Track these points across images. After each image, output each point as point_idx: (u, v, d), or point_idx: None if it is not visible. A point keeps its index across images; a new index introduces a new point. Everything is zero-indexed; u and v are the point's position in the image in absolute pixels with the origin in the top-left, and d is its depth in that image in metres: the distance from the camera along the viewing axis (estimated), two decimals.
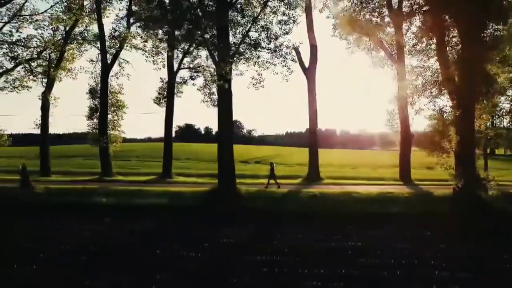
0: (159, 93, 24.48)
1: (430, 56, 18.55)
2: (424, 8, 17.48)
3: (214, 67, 17.00)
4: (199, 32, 15.84)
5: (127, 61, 24.80)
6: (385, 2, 21.95)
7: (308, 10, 22.70)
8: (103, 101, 24.06)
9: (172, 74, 23.98)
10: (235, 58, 16.18)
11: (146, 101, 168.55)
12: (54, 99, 25.75)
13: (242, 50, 16.45)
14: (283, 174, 26.04)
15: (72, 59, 26.55)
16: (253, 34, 17.18)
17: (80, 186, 18.97)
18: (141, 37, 21.90)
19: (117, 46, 24.33)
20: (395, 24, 21.82)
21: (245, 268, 8.86)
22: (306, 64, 23.14)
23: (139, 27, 21.24)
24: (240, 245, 10.95)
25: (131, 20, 24.15)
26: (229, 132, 17.13)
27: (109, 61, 24.33)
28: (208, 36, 16.31)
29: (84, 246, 10.35)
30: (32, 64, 26.07)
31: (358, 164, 37.52)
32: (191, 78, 18.27)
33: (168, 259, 9.43)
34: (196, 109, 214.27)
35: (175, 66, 23.96)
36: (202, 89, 17.21)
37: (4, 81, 25.90)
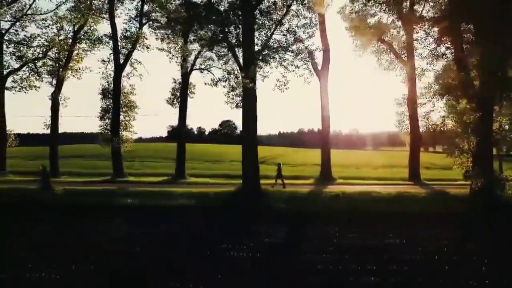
0: (172, 94, 24.49)
1: (444, 59, 19.21)
2: (439, 14, 18.03)
3: (238, 69, 17.21)
4: (223, 34, 16.03)
5: (139, 62, 24.64)
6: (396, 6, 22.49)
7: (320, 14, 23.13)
8: (115, 101, 23.90)
9: (185, 74, 24.04)
10: (260, 61, 16.41)
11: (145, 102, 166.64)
12: (64, 100, 25.47)
13: (267, 53, 16.70)
14: (292, 175, 26.48)
15: (80, 59, 26.35)
16: (276, 37, 17.46)
17: (100, 188, 18.85)
18: (157, 37, 22.00)
19: (129, 46, 24.20)
20: (406, 27, 22.46)
21: (316, 268, 8.93)
22: (319, 67, 23.56)
23: (157, 27, 21.23)
24: (286, 244, 11.21)
25: (144, 20, 24.09)
26: (253, 133, 17.33)
27: (121, 62, 24.19)
28: (233, 38, 16.51)
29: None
30: (37, 63, 25.78)
31: (360, 164, 38.27)
32: (219, 80, 18.14)
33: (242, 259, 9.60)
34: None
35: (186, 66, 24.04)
36: (228, 92, 17.28)
37: (12, 81, 25.59)
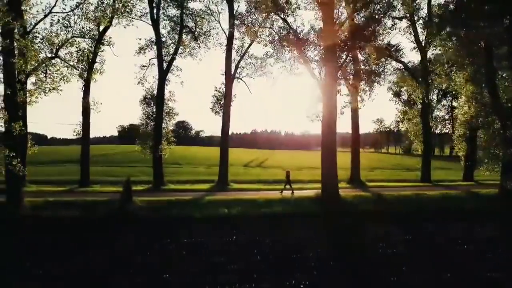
0: (217, 98, 24.76)
1: None
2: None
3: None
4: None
5: (180, 69, 24.43)
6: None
7: None
8: (159, 108, 23.41)
9: (229, 81, 24.50)
10: None
11: None
12: (95, 104, 24.03)
13: None
14: (310, 179, 28.34)
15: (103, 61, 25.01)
16: None
17: (172, 198, 18.65)
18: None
19: (171, 53, 23.90)
20: None
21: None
22: None
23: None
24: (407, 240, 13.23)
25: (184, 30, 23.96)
26: (332, 139, 18.69)
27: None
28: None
29: None
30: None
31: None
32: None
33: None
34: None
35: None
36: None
37: (32, 82, 23.31)
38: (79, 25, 23.10)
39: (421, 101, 27.61)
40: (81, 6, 22.77)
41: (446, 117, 67.92)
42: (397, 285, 9.05)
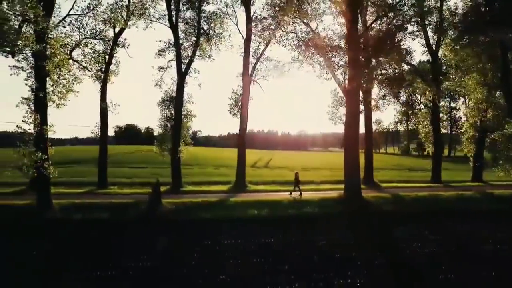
0: (234, 101, 25.04)
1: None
2: None
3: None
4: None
5: (198, 71, 24.64)
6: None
7: None
8: (177, 111, 23.60)
9: (247, 83, 24.79)
10: None
11: None
12: (112, 105, 24.09)
13: None
14: (322, 180, 28.82)
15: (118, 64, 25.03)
16: None
17: (198, 200, 18.90)
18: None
19: (187, 55, 24.09)
20: None
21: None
22: None
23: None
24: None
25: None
26: (355, 142, 19.15)
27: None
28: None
29: None
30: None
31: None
32: None
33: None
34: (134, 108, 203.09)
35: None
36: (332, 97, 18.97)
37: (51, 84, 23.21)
38: (91, 26, 23.06)
39: (431, 103, 28.23)
40: (95, 8, 22.69)
41: (444, 117, 69.10)
42: (449, 284, 9.48)
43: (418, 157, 69.83)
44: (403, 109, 70.60)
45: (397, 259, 11.82)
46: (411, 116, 79.97)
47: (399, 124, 79.45)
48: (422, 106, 30.35)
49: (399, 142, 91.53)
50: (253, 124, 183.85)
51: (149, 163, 38.27)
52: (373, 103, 22.55)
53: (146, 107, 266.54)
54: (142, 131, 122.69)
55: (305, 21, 19.15)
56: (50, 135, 17.11)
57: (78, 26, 22.68)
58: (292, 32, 19.89)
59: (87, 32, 22.98)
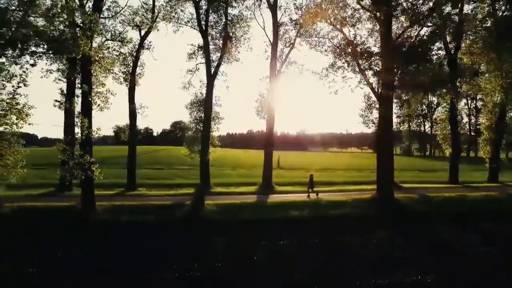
0: (261, 103, 25.51)
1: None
2: None
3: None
4: None
5: (226, 74, 25.02)
6: None
7: None
8: (207, 113, 23.94)
9: (273, 86, 25.23)
10: None
11: None
12: (141, 108, 24.35)
13: None
14: (345, 181, 29.37)
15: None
16: None
17: (237, 201, 19.21)
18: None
19: (214, 58, 24.46)
20: None
21: None
22: None
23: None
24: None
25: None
26: (389, 141, 19.70)
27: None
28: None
29: None
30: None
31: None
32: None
33: None
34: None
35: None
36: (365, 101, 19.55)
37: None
38: (115, 28, 23.14)
39: (449, 106, 28.91)
40: (121, 12, 22.82)
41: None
42: None
43: (421, 158, 70.80)
44: (406, 110, 71.18)
45: (451, 258, 12.29)
46: (414, 117, 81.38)
47: (400, 125, 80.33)
48: (440, 109, 30.91)
49: (400, 143, 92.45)
50: (253, 124, 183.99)
51: (164, 164, 38.51)
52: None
53: (147, 108, 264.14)
54: (142, 131, 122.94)
55: (338, 26, 19.65)
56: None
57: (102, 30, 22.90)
58: (325, 38, 20.46)
59: (114, 34, 23.20)
